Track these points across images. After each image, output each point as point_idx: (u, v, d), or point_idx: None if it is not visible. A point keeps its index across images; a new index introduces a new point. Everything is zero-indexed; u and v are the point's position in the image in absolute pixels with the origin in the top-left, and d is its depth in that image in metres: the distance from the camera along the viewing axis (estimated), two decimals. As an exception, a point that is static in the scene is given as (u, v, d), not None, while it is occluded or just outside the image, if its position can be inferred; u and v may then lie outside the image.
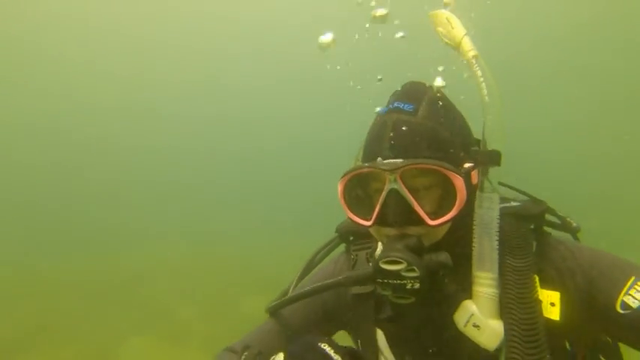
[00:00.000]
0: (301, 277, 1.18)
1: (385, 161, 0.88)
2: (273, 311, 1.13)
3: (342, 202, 0.96)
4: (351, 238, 1.15)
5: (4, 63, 17.66)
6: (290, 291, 1.15)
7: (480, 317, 0.88)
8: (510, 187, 1.05)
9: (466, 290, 0.92)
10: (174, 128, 21.05)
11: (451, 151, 0.90)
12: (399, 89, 1.01)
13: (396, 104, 0.94)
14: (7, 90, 18.17)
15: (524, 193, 1.05)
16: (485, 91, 0.93)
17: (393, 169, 0.85)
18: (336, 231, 1.18)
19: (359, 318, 1.06)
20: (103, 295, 7.02)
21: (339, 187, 0.95)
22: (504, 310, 0.88)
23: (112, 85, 19.52)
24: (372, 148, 0.93)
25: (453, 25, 1.08)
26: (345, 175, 0.94)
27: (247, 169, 20.47)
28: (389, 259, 0.84)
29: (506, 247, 0.93)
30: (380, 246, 1.04)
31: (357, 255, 1.10)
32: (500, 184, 0.96)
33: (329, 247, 1.22)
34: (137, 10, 17.32)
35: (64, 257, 9.48)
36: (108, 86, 19.41)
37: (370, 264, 1.02)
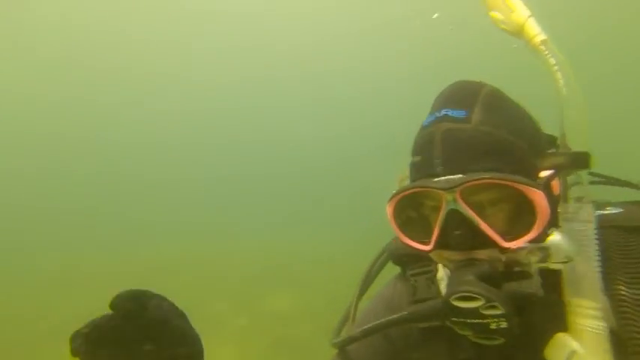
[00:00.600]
0: (360, 296, 1.10)
1: (438, 179, 0.75)
2: (341, 347, 1.03)
3: (393, 225, 0.85)
4: (404, 259, 1.03)
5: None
6: (352, 313, 1.07)
7: (586, 356, 0.72)
8: (604, 178, 0.89)
9: (557, 320, 0.76)
10: (198, 122, 21.38)
11: (519, 157, 0.76)
12: (445, 92, 0.85)
13: (443, 112, 0.80)
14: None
15: (629, 185, 0.89)
16: (561, 82, 0.80)
17: (449, 188, 0.73)
18: (385, 251, 1.09)
19: (430, 356, 0.94)
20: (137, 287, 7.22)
21: (389, 210, 0.84)
22: (620, 349, 0.72)
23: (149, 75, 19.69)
24: (422, 165, 0.80)
25: (513, 8, 0.97)
26: (394, 196, 0.82)
27: (274, 162, 20.63)
28: (461, 294, 0.71)
29: (613, 268, 0.77)
30: (442, 270, 0.94)
31: (416, 280, 0.98)
32: (591, 174, 0.81)
33: (380, 263, 1.13)
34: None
35: (100, 251, 9.85)
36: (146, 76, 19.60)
37: (436, 296, 0.92)
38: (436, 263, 0.94)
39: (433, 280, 0.96)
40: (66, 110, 19.54)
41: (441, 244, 0.77)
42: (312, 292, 6.94)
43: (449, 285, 0.76)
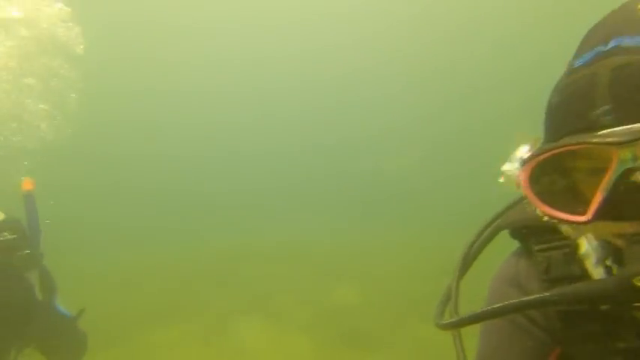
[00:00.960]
0: (460, 276, 0.96)
1: (607, 132, 0.58)
2: (451, 329, 0.86)
3: (529, 194, 0.69)
4: (524, 231, 0.88)
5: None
6: (454, 294, 0.93)
7: None
8: None
9: None
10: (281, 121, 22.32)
11: None
12: (609, 19, 0.67)
13: (612, 43, 0.61)
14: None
15: None
16: None
17: (628, 141, 0.57)
18: (501, 225, 0.93)
19: (579, 343, 0.80)
20: (207, 278, 7.87)
21: (523, 175, 0.68)
22: None
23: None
24: (573, 116, 0.63)
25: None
26: (532, 158, 0.67)
27: (339, 159, 21.02)
28: None
29: None
30: (587, 245, 0.78)
31: (549, 256, 0.83)
32: None
33: (485, 238, 0.97)
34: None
35: (172, 243, 10.75)
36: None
37: (581, 275, 0.78)
38: (567, 237, 0.80)
39: (573, 257, 0.81)
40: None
41: (606, 214, 0.62)
42: (377, 286, 7.00)
43: (627, 263, 0.61)
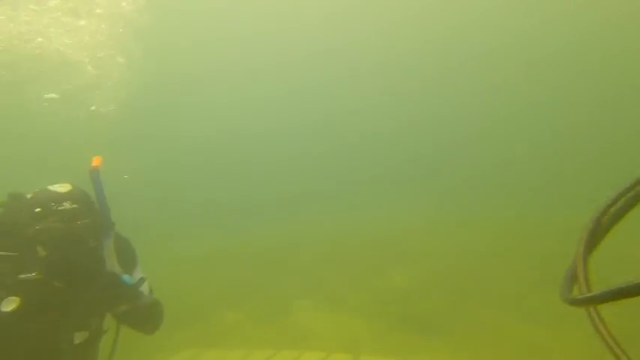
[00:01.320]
0: (587, 250, 0.78)
1: None
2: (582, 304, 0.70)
3: None
4: None
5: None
6: (581, 269, 0.73)
7: None
8: None
9: None
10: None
11: None
12: None
13: None
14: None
15: None
16: None
17: None
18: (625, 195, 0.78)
19: None
20: (273, 263, 8.32)
21: None
22: None
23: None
24: None
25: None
26: None
27: (399, 144, 20.84)
28: None
29: None
30: None
31: None
32: None
33: (622, 208, 0.80)
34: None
35: (237, 231, 11.45)
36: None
37: None
38: None
39: None
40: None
41: None
42: (433, 268, 6.92)
43: None
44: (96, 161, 1.57)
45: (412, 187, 14.93)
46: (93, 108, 6.42)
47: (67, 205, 1.48)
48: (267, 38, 21.50)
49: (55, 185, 1.55)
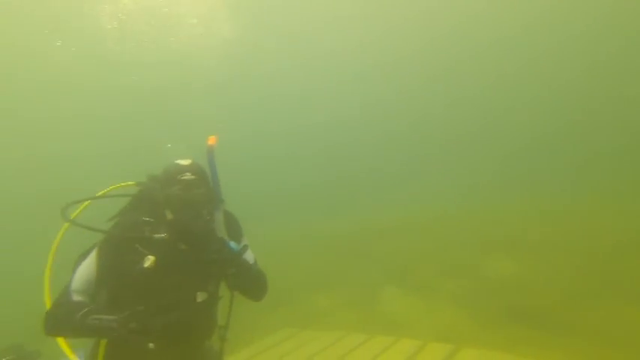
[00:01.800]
0: None
1: None
2: None
3: None
4: None
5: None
6: None
7: None
8: None
9: None
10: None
11: None
12: None
13: None
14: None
15: None
16: None
17: None
18: None
19: None
20: (357, 249, 8.25)
21: None
22: None
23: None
24: None
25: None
26: None
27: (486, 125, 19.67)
28: None
29: None
30: None
31: None
32: None
33: None
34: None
35: (322, 216, 11.64)
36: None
37: None
38: None
39: None
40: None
41: None
42: (535, 257, 6.24)
43: None
44: (211, 140, 1.74)
45: (507, 168, 13.69)
46: None
47: (188, 175, 1.71)
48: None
49: (180, 159, 1.79)
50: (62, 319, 1.50)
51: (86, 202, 1.82)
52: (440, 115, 21.48)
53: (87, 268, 1.65)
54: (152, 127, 15.83)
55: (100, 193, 1.87)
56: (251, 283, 1.81)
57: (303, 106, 24.72)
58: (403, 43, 22.73)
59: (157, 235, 1.68)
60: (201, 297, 1.73)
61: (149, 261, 1.62)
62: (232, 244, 1.69)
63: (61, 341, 1.67)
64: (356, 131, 22.50)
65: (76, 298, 1.59)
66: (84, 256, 1.71)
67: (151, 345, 1.46)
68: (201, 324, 1.78)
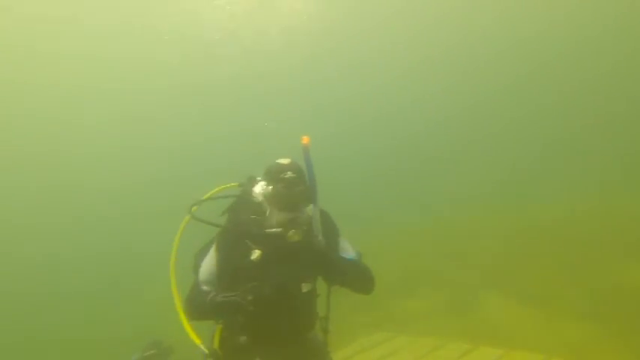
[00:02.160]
0: None
1: None
2: None
3: None
4: None
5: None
6: None
7: None
8: None
9: None
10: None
11: None
12: None
13: None
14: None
15: None
16: None
17: None
18: None
19: None
20: (453, 251, 7.77)
21: None
22: None
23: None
24: None
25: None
26: None
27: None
28: None
29: None
30: None
31: None
32: None
33: None
34: None
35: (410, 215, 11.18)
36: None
37: None
38: None
39: None
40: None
41: None
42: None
43: None
44: (305, 140, 1.80)
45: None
46: None
47: (289, 174, 1.85)
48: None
49: (281, 159, 1.95)
50: (198, 305, 1.82)
51: (202, 201, 2.05)
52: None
53: (209, 261, 1.89)
54: (255, 111, 17.74)
55: (207, 195, 2.07)
56: (358, 277, 1.90)
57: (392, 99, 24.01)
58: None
59: (268, 230, 1.82)
60: (305, 287, 1.87)
61: (256, 254, 1.78)
62: (349, 255, 1.87)
63: (190, 330, 1.89)
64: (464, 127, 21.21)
65: (204, 287, 1.86)
66: (205, 250, 1.95)
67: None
68: (305, 312, 1.93)
